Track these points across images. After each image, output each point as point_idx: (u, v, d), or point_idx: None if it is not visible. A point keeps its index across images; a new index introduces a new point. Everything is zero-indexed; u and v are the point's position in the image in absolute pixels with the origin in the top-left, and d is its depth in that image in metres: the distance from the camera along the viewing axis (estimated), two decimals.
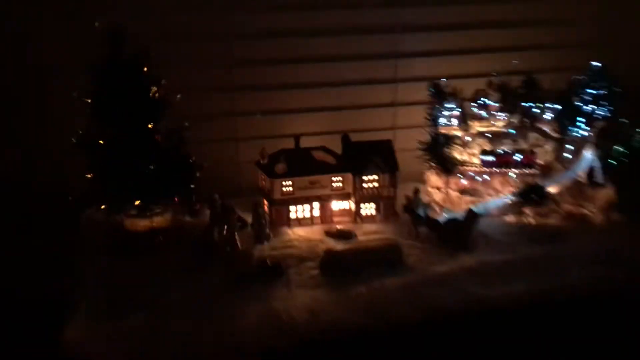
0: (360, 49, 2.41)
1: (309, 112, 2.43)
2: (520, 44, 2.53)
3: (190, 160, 1.96)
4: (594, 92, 2.20)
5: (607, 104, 2.18)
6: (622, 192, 2.11)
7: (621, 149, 2.15)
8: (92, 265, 1.88)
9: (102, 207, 1.91)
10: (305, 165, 2.11)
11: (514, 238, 2.06)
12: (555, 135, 2.25)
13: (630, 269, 1.88)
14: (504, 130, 2.26)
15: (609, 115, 2.18)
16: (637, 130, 2.14)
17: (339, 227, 2.10)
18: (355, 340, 1.66)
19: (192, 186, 1.96)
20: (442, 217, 2.11)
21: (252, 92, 2.36)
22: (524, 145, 2.24)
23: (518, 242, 2.03)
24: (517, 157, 2.18)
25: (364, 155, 2.13)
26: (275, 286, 1.79)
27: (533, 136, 2.26)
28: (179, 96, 1.90)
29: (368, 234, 2.10)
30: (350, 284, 1.79)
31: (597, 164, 2.16)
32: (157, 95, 1.87)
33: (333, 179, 2.12)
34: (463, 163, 2.21)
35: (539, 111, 2.25)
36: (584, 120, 2.19)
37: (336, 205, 2.15)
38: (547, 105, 2.24)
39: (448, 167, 2.17)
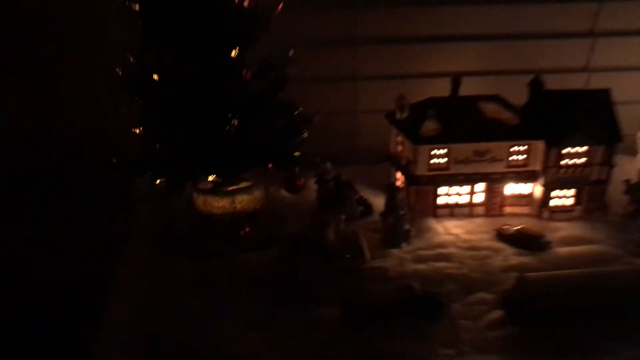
0: None
1: (469, 41, 1.95)
2: None
3: (296, 111, 1.52)
4: None
5: None
6: None
7: None
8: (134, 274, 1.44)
9: (157, 179, 1.44)
10: (468, 124, 1.68)
11: None
12: None
13: None
14: None
15: None
16: None
17: (516, 226, 1.60)
18: None
19: (296, 152, 1.53)
20: None
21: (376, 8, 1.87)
22: None
23: None
24: None
25: (565, 114, 1.62)
26: (429, 339, 1.19)
27: None
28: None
29: (566, 241, 1.54)
30: (563, 342, 1.17)
31: None
32: (246, 2, 1.40)
33: (512, 148, 1.67)
34: None
35: None
36: None
37: (511, 188, 1.71)
38: None
39: None
